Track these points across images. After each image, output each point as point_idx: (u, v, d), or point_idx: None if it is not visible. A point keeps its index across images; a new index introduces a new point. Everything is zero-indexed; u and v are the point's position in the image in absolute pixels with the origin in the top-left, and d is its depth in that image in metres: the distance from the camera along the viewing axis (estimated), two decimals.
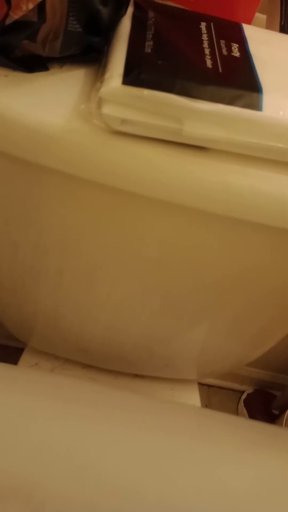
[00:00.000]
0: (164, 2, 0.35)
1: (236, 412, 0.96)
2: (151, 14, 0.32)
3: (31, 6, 0.25)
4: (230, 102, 0.27)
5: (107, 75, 0.27)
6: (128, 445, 0.38)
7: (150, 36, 0.30)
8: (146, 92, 0.26)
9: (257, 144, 0.28)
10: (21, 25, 0.26)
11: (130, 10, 0.32)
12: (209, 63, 0.29)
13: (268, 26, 0.39)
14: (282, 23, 0.38)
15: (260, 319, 0.43)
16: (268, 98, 0.28)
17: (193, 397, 0.55)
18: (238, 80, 0.28)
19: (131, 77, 0.26)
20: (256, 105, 0.27)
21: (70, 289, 0.42)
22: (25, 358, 0.54)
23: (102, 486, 0.34)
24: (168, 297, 0.41)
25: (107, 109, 0.27)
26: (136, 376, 0.55)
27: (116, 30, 0.31)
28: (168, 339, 0.47)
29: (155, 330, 0.46)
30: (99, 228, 0.35)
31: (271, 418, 0.92)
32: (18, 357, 0.58)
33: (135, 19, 0.31)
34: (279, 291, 0.39)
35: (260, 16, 0.43)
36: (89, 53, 0.30)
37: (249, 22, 0.36)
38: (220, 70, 0.28)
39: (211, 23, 0.33)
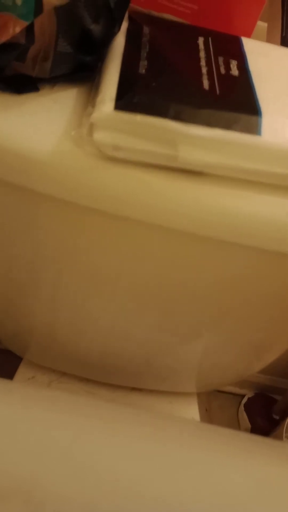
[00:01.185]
0: (160, 15, 0.34)
1: (236, 416, 0.95)
2: (146, 29, 0.30)
3: (18, 29, 0.23)
4: (227, 126, 0.26)
5: (98, 99, 0.26)
6: (127, 447, 0.38)
7: (145, 54, 0.28)
8: (139, 118, 0.25)
9: (256, 169, 0.27)
10: (9, 47, 0.25)
11: (124, 25, 0.31)
12: (206, 83, 0.27)
13: (269, 36, 0.38)
14: (284, 34, 0.37)
15: (259, 334, 0.43)
16: (268, 120, 0.27)
17: (192, 410, 0.54)
18: (236, 102, 0.27)
19: (124, 101, 0.25)
20: (254, 129, 0.26)
21: (65, 305, 0.41)
22: (21, 371, 0.53)
23: (102, 487, 0.34)
24: (165, 313, 0.40)
25: (98, 135, 0.25)
26: (134, 389, 0.54)
27: (110, 46, 0.30)
28: (166, 352, 0.46)
29: (153, 344, 0.45)
30: (94, 248, 0.34)
31: (272, 423, 0.91)
32: (18, 362, 0.57)
33: (129, 35, 0.30)
34: (276, 308, 0.38)
35: (261, 24, 0.41)
36: (81, 71, 0.29)
37: (248, 34, 0.34)
38: (218, 92, 0.27)
39: (209, 38, 0.32)
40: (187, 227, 0.29)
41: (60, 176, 0.28)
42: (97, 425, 0.39)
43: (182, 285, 0.36)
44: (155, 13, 0.34)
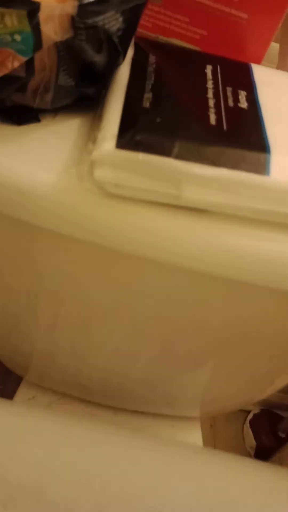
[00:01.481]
0: (168, 40, 0.33)
1: (241, 433, 0.94)
2: (152, 58, 0.29)
3: (16, 64, 0.22)
4: (234, 165, 0.24)
5: (100, 136, 0.24)
6: (129, 459, 0.38)
7: (150, 86, 0.27)
8: (141, 156, 0.24)
9: (263, 209, 0.25)
10: (8, 80, 0.24)
11: (130, 52, 0.30)
12: (213, 118, 0.26)
13: (281, 62, 0.36)
14: None
15: (263, 368, 0.41)
16: (277, 158, 0.25)
17: (194, 434, 0.53)
18: (244, 138, 0.26)
19: (126, 139, 0.24)
20: (263, 168, 0.25)
21: (65, 334, 0.40)
22: (22, 392, 0.52)
23: (106, 493, 0.35)
24: (167, 345, 0.39)
25: (99, 173, 0.24)
26: (135, 412, 0.53)
27: (114, 76, 0.29)
28: (168, 381, 0.45)
29: (154, 372, 0.44)
30: (95, 282, 0.33)
31: (277, 440, 0.90)
32: (20, 379, 0.57)
33: (134, 65, 0.29)
34: (280, 344, 0.37)
35: (273, 45, 0.40)
36: (84, 102, 0.28)
37: (259, 60, 0.33)
38: (225, 127, 0.26)
39: (218, 66, 0.30)
40: (190, 265, 0.28)
41: (60, 211, 0.27)
42: (97, 445, 0.39)
43: (184, 319, 0.34)
44: (163, 38, 0.33)
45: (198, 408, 0.50)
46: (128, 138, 0.24)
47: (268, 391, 0.47)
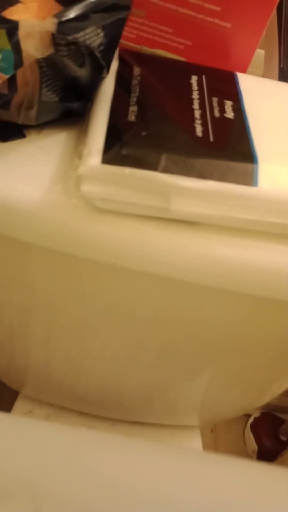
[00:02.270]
0: (153, 51, 0.33)
1: (242, 437, 0.93)
2: (136, 71, 0.29)
3: None
4: (221, 177, 0.24)
5: (85, 151, 0.24)
6: (128, 453, 0.37)
7: (134, 99, 0.27)
8: (128, 171, 0.24)
9: (251, 220, 0.25)
10: None
11: (114, 65, 0.30)
12: (199, 130, 0.26)
13: (266, 69, 0.36)
14: (281, 66, 0.35)
15: (261, 372, 0.41)
16: (264, 167, 0.25)
17: (194, 443, 0.52)
18: (231, 149, 0.26)
19: (111, 154, 0.24)
20: (250, 179, 0.25)
21: (60, 346, 0.39)
22: (19, 405, 0.52)
23: (102, 488, 0.34)
24: (164, 354, 0.39)
25: (86, 188, 0.24)
26: (135, 422, 0.53)
27: (98, 89, 0.28)
28: (166, 391, 0.45)
29: (152, 383, 0.43)
30: (87, 294, 0.32)
31: (279, 443, 0.89)
32: (16, 394, 0.56)
33: (119, 78, 0.29)
34: (277, 351, 0.37)
35: (258, 52, 0.40)
36: (68, 117, 0.28)
37: (244, 69, 0.33)
38: (211, 139, 0.26)
39: (203, 76, 0.30)
40: (181, 276, 0.28)
41: (48, 227, 0.26)
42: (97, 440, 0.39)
43: (180, 329, 0.34)
44: (147, 49, 0.33)
45: (197, 416, 0.50)
46: (114, 152, 0.24)
47: (267, 397, 0.46)
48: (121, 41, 0.32)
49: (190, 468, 0.40)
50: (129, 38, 0.32)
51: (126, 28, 0.32)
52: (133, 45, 0.33)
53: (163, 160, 0.24)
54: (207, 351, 0.37)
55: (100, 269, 0.30)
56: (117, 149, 0.24)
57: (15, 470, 0.33)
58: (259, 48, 0.40)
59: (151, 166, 0.24)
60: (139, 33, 0.32)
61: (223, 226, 0.27)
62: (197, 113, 0.27)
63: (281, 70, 0.35)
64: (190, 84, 0.29)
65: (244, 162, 0.25)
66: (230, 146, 0.26)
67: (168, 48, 0.32)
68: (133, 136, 0.25)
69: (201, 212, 0.25)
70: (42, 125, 0.28)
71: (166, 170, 0.24)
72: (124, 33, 0.32)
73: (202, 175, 0.24)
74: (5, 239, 0.29)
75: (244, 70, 0.33)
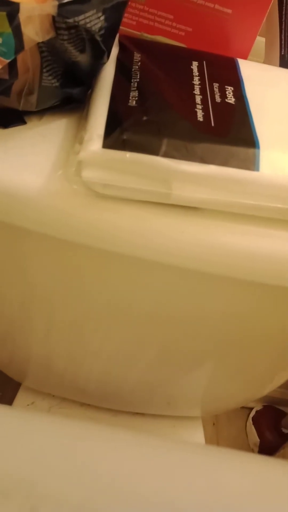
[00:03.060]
0: (153, 38, 0.32)
1: (244, 430, 0.93)
2: (137, 56, 0.29)
3: None
4: (223, 162, 0.24)
5: (86, 137, 0.24)
6: (127, 450, 0.37)
7: (135, 84, 0.27)
8: (129, 156, 0.23)
9: (253, 205, 0.25)
10: None
11: (114, 51, 0.30)
12: (200, 114, 0.26)
13: (267, 56, 0.36)
14: (282, 53, 0.35)
15: (262, 364, 0.41)
16: (266, 153, 0.25)
17: (196, 434, 0.52)
18: (233, 134, 0.25)
19: (112, 138, 0.24)
20: (252, 164, 0.25)
21: (61, 338, 0.40)
22: (21, 397, 0.52)
23: (99, 487, 0.34)
24: (165, 346, 0.39)
25: (87, 174, 0.24)
26: (136, 413, 0.53)
27: (99, 75, 0.28)
28: (168, 381, 0.45)
29: (154, 374, 0.43)
30: (88, 284, 0.32)
31: (281, 436, 0.89)
32: (18, 386, 0.56)
33: (119, 64, 0.28)
34: (280, 340, 0.37)
35: (259, 39, 0.40)
36: (69, 103, 0.28)
37: (245, 55, 0.33)
38: (213, 124, 0.26)
39: (204, 62, 0.30)
40: (182, 263, 0.28)
41: (49, 213, 0.26)
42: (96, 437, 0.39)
43: (182, 318, 0.34)
44: (147, 36, 0.33)
45: (199, 407, 0.50)
46: (115, 137, 0.24)
47: (268, 388, 0.46)
48: (122, 28, 0.32)
49: (190, 469, 0.40)
50: (129, 25, 0.32)
51: (126, 15, 0.32)
52: (134, 32, 0.32)
53: (164, 144, 0.24)
54: (208, 341, 0.37)
55: (100, 258, 0.30)
56: (118, 134, 0.24)
57: (12, 470, 0.33)
58: (260, 36, 0.40)
59: (152, 150, 0.24)
60: (140, 20, 0.32)
61: (224, 212, 0.26)
62: (198, 99, 0.27)
63: (282, 57, 0.35)
64: (191, 70, 0.29)
65: (245, 147, 0.25)
66: (231, 131, 0.26)
67: (169, 34, 0.32)
68: (134, 121, 0.25)
69: (203, 197, 0.25)
70: (42, 112, 0.28)
71: (167, 155, 0.24)
72: (124, 19, 0.32)
73: (203, 160, 0.24)
74: (5, 226, 0.29)
75: (245, 57, 0.33)
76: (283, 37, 0.35)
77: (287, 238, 0.27)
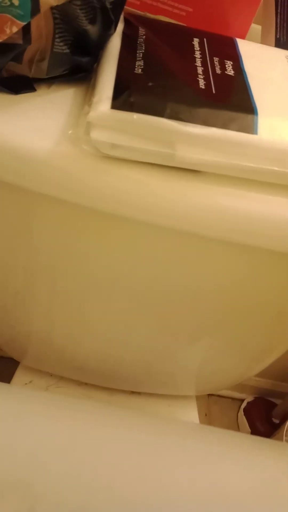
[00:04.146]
0: (156, 17, 0.34)
1: (236, 421, 0.95)
2: (141, 31, 0.31)
3: (15, 29, 0.23)
4: (224, 125, 0.26)
5: (95, 99, 0.26)
6: (124, 447, 0.38)
7: (141, 55, 0.28)
8: (136, 117, 0.25)
9: (252, 167, 0.27)
10: (6, 48, 0.25)
11: (120, 26, 0.31)
12: (202, 83, 0.28)
13: (263, 39, 0.38)
14: (278, 36, 0.37)
15: (258, 337, 0.42)
16: (264, 119, 0.27)
17: (191, 413, 0.54)
18: (232, 102, 0.27)
19: (121, 100, 0.25)
20: (251, 128, 0.26)
21: (63, 309, 0.41)
22: (19, 376, 0.53)
23: (96, 486, 0.34)
24: (164, 317, 0.40)
25: (96, 134, 0.25)
26: (132, 392, 0.54)
27: (105, 48, 0.30)
28: (165, 357, 0.46)
29: (152, 349, 0.45)
30: (91, 249, 0.34)
31: (272, 427, 0.91)
32: (15, 368, 0.57)
33: (125, 37, 0.30)
34: (276, 308, 0.38)
35: (255, 27, 0.41)
36: (77, 73, 0.29)
37: (243, 36, 0.35)
38: (214, 91, 0.27)
39: (204, 39, 0.32)
40: (185, 227, 0.29)
41: (57, 175, 0.28)
42: (94, 427, 0.39)
43: (182, 286, 0.35)
44: (150, 16, 0.34)
45: (193, 385, 0.51)
46: (123, 99, 0.25)
47: (263, 363, 0.48)
48: (126, 7, 0.34)
49: (189, 463, 0.39)
50: (133, 5, 0.34)
51: None
52: (137, 11, 0.34)
53: (169, 107, 0.25)
54: (206, 314, 0.39)
55: (104, 222, 0.31)
56: (126, 97, 0.25)
57: (9, 470, 0.34)
58: (256, 23, 0.42)
59: (158, 112, 0.25)
60: (143, 0, 0.34)
61: (224, 176, 0.28)
62: (199, 69, 0.29)
63: (277, 40, 0.37)
64: (192, 45, 0.31)
65: (245, 113, 0.27)
66: (231, 99, 0.27)
67: (170, 14, 0.34)
68: (140, 86, 0.26)
69: (204, 158, 0.26)
70: (51, 80, 0.29)
71: (172, 117, 0.25)
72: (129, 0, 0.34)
73: (206, 123, 0.26)
74: (14, 189, 0.30)
75: (242, 37, 0.35)
76: (278, 21, 0.37)
77: (284, 202, 0.29)
